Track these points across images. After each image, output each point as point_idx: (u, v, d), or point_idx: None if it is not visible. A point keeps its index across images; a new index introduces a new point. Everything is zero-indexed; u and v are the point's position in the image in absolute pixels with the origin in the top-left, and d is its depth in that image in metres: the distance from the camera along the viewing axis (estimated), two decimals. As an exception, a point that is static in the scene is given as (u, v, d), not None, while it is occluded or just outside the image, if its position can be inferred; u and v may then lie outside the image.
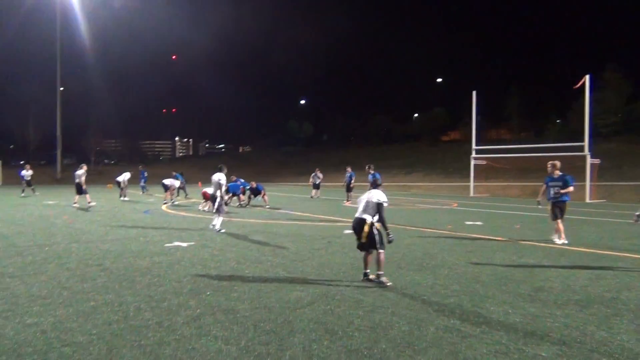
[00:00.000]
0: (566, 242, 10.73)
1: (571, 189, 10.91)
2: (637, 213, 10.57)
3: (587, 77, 28.60)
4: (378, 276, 6.70)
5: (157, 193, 27.39)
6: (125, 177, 24.72)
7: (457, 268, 8.01)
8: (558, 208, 10.99)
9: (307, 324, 5.00)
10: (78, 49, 67.95)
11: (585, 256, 9.37)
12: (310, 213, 18.13)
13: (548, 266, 8.31)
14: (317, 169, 29.58)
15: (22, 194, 26.38)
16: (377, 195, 6.94)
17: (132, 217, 15.69)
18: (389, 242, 6.88)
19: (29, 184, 27.12)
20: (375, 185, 7.38)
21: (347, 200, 23.85)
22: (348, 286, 6.65)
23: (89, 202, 19.28)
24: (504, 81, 79.31)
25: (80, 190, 19.55)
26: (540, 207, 11.62)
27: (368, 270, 6.93)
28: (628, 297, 6.33)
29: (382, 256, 6.71)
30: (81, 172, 19.63)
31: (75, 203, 19.71)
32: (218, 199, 12.38)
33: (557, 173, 11.12)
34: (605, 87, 50.47)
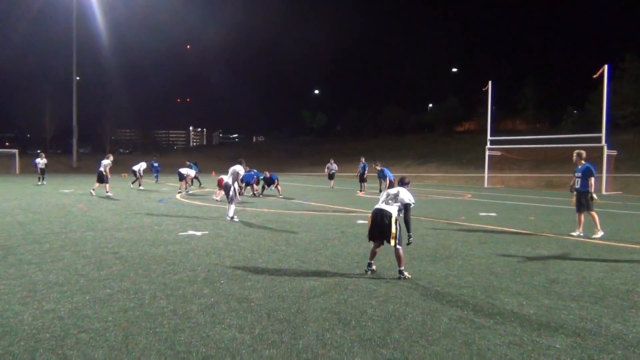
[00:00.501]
0: (602, 234, 10.49)
1: (592, 180, 10.66)
2: None
3: (606, 66, 28.13)
4: (400, 272, 6.58)
5: (169, 182, 27.59)
6: (141, 166, 25.00)
7: (471, 259, 7.98)
8: (579, 200, 10.82)
9: (320, 314, 5.02)
10: (94, 39, 68.51)
11: (600, 248, 9.28)
12: (323, 203, 18.15)
13: (563, 258, 8.25)
14: (331, 159, 29.61)
15: (38, 183, 26.81)
16: (406, 195, 6.76)
17: (147, 206, 15.82)
18: (408, 244, 6.82)
19: (42, 172, 27.53)
20: (402, 183, 7.20)
21: (361, 191, 23.84)
22: (361, 276, 6.66)
23: (107, 192, 19.55)
24: (520, 71, 78.31)
25: (101, 179, 19.82)
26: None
27: (372, 261, 6.91)
28: (644, 289, 6.26)
29: (401, 252, 6.59)
30: (107, 162, 19.94)
31: (93, 190, 20.00)
32: (232, 189, 12.59)
33: (582, 163, 10.88)
34: (623, 77, 49.64)
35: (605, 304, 5.60)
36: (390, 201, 6.74)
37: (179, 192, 21.48)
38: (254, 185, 20.87)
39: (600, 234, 10.45)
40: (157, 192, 22.72)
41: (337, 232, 10.57)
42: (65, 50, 56.11)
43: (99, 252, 8.01)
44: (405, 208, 6.73)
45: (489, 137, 34.81)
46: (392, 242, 6.50)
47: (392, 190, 6.93)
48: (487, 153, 34.71)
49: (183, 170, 22.52)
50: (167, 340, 4.22)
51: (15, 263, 7.12)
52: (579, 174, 10.79)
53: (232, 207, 12.54)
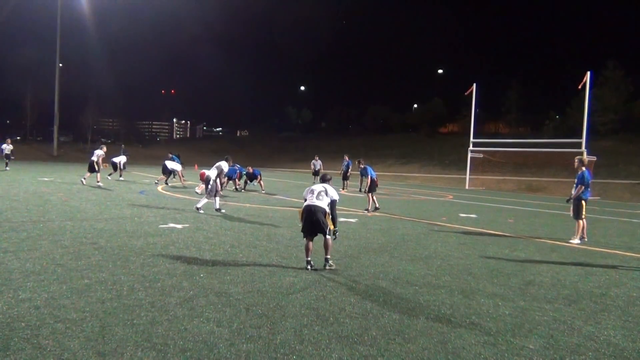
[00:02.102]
0: (579, 241, 10.48)
1: (579, 188, 10.55)
2: None
3: (588, 73, 28.53)
4: (326, 260, 6.88)
5: (149, 174, 27.35)
6: (121, 159, 24.70)
7: (450, 259, 8.07)
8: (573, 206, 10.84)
9: (299, 309, 5.04)
10: (78, 26, 67.16)
11: (576, 252, 9.45)
12: (305, 200, 18.13)
13: (539, 261, 8.39)
14: (316, 156, 29.68)
15: (7, 168, 26.48)
16: (332, 191, 7.14)
17: (128, 197, 15.68)
18: (334, 238, 7.13)
19: (7, 157, 27.17)
20: (325, 179, 7.46)
21: (343, 189, 23.87)
22: (341, 273, 6.70)
23: (98, 182, 19.24)
24: (505, 75, 78.81)
25: (92, 168, 19.53)
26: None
27: (310, 258, 6.97)
28: (617, 293, 6.40)
29: (330, 241, 6.92)
30: (101, 152, 19.69)
31: (84, 179, 19.69)
32: (211, 183, 12.88)
33: (582, 169, 10.68)
34: (605, 84, 50.39)
35: (579, 306, 5.72)
36: (320, 197, 7.03)
37: (156, 183, 21.31)
38: (237, 179, 20.81)
39: (576, 240, 10.58)
40: (137, 183, 22.52)
41: (318, 229, 10.57)
42: (48, 35, 55.08)
43: (78, 242, 7.93)
44: (332, 204, 7.08)
45: (471, 139, 35.09)
46: (328, 234, 6.89)
47: (319, 187, 7.21)
48: (469, 155, 35.01)
49: (169, 164, 22.17)
50: (144, 332, 4.21)
51: (-9, 251, 7.01)
52: (575, 180, 10.79)
53: (205, 200, 12.91)
